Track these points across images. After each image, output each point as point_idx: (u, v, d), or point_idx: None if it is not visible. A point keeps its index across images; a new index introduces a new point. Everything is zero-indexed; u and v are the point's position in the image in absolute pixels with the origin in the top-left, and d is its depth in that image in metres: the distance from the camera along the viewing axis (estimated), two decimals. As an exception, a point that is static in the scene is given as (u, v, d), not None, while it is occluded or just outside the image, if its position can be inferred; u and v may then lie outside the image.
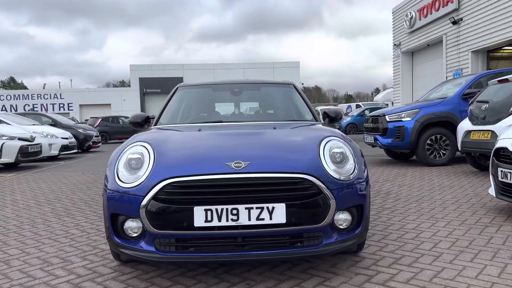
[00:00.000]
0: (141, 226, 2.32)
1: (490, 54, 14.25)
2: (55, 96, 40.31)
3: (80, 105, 40.36)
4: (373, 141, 8.10)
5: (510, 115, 5.33)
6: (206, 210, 2.19)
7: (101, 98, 40.49)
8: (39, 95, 40.27)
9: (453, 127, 7.45)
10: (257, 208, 2.20)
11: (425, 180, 6.00)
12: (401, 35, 18.95)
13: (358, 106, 28.46)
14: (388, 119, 7.73)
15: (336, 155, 2.47)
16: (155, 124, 3.44)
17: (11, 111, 34.68)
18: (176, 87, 3.81)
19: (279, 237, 2.27)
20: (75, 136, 12.29)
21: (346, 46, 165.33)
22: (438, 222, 3.60)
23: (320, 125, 3.19)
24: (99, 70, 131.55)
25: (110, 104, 39.86)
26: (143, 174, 2.34)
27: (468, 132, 6.14)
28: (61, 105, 40.27)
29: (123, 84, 74.97)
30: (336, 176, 2.35)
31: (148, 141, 2.60)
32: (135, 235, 2.35)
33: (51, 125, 12.82)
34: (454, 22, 14.71)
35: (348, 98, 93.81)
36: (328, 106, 30.97)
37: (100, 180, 7.11)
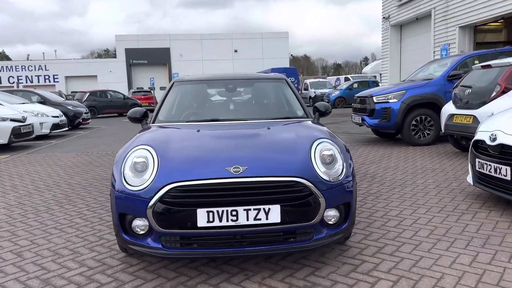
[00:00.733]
0: (148, 224, 2.54)
1: (477, 27, 14.40)
2: (40, 67, 39.55)
3: (66, 77, 39.72)
4: (360, 122, 8.34)
5: (491, 101, 5.59)
6: (208, 212, 2.41)
7: (87, 69, 39.88)
8: (23, 67, 39.46)
9: (437, 108, 7.71)
10: (254, 209, 2.42)
11: (409, 162, 6.29)
12: (390, 8, 18.91)
13: (346, 79, 28.60)
14: (375, 100, 7.95)
15: (326, 158, 2.68)
16: (154, 121, 3.59)
17: (-5, 84, 34.11)
18: (172, 82, 3.94)
19: (274, 234, 2.50)
20: (64, 114, 12.29)
21: (335, 14, 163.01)
22: (419, 209, 3.88)
23: (311, 123, 3.39)
24: (82, 38, 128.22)
25: (96, 76, 39.34)
26: (149, 177, 2.53)
27: (452, 116, 6.40)
28: (46, 77, 39.59)
29: (107, 53, 73.55)
30: (325, 177, 2.57)
31: (151, 144, 2.77)
32: (142, 232, 2.57)
33: (40, 102, 12.78)
34: (444, -4, 14.73)
35: (337, 68, 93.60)
36: (317, 79, 31.04)
37: (95, 162, 7.27)
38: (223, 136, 3.00)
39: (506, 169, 3.40)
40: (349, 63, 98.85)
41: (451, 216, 3.64)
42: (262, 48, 41.08)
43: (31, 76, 39.38)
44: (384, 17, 19.66)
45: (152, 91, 26.52)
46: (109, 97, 21.84)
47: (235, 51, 40.77)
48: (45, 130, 10.64)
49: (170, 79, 39.83)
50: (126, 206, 2.57)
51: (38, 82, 38.69)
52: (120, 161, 2.74)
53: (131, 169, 2.64)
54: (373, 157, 6.86)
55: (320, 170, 2.59)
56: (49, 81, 39.30)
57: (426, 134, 7.85)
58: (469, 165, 4.11)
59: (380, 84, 22.22)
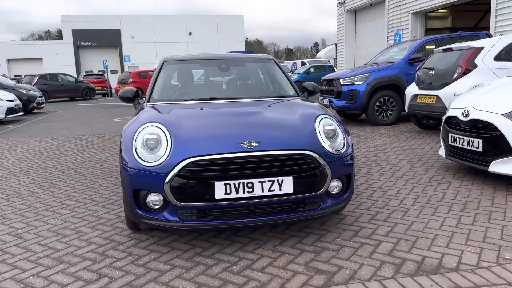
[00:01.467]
0: (162, 199, 2.61)
1: (427, 13, 15.15)
2: (-22, 49, 36.82)
3: (8, 60, 37.29)
4: (328, 103, 8.64)
5: (453, 82, 6.03)
6: (225, 185, 2.51)
7: (31, 51, 37.59)
8: (-42, 49, 36.54)
9: (399, 90, 8.16)
10: (269, 181, 2.55)
11: (377, 140, 6.65)
12: (345, -7, 19.35)
13: (303, 64, 29.03)
14: (342, 83, 8.26)
15: (329, 132, 2.86)
16: (148, 100, 3.59)
17: None
18: (162, 61, 3.92)
19: (284, 204, 2.65)
20: (18, 98, 11.66)
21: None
22: (398, 181, 4.19)
23: (305, 101, 3.55)
24: (22, 19, 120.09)
25: (41, 59, 37.22)
26: (164, 153, 2.59)
27: (415, 96, 6.81)
28: (-14, 60, 36.94)
29: (49, 34, 69.57)
30: (330, 150, 2.75)
31: (160, 121, 2.81)
32: (157, 207, 2.63)
33: (-10, 86, 12.03)
34: (396, -17, 15.30)
35: (289, 53, 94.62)
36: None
37: (64, 146, 7.05)
38: (228, 113, 3.08)
39: (478, 141, 3.76)
40: (300, 48, 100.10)
41: (429, 186, 3.97)
42: (217, 31, 40.62)
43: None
44: (339, 2, 20.11)
45: (104, 74, 25.59)
46: (60, 80, 20.85)
47: (190, 33, 40.03)
48: (1, 115, 10.08)
49: (121, 62, 38.52)
50: (140, 182, 2.61)
51: (-23, 65, 36.05)
52: (129, 139, 2.77)
53: (143, 146, 2.67)
54: (342, 136, 7.17)
55: (325, 143, 2.76)
56: (-12, 64, 36.73)
57: (388, 115, 8.29)
58: (441, 139, 4.47)
59: (336, 69, 22.85)
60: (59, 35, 38.52)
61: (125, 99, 3.75)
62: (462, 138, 3.97)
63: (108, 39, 38.13)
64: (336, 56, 22.10)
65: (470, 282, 2.20)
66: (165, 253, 2.70)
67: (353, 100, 8.15)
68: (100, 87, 23.87)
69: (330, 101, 8.51)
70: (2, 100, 10.27)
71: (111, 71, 35.40)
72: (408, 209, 3.36)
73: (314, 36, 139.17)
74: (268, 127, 2.81)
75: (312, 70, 22.76)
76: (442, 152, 4.44)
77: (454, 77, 6.03)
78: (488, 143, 3.67)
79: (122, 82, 20.72)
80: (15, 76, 30.60)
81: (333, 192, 2.82)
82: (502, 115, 3.57)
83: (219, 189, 2.51)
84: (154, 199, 2.63)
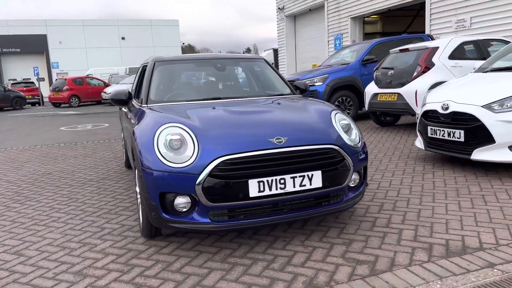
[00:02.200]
0: (190, 201, 2.52)
1: (364, 18, 16.01)
2: None
3: None
4: (288, 104, 8.78)
5: (413, 79, 6.43)
6: (259, 182, 2.48)
7: None
8: None
9: (355, 89, 8.54)
10: (300, 176, 2.56)
11: (344, 137, 6.90)
12: (284, -2, 19.84)
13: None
14: (302, 84, 8.45)
15: (345, 126, 2.93)
16: (146, 102, 3.41)
17: None
18: (152, 62, 3.75)
19: (312, 199, 2.67)
20: None
21: (214, 3, 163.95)
22: (386, 173, 4.38)
23: (307, 98, 3.60)
24: None
25: (-45, 67, 33.93)
26: (192, 153, 2.50)
27: (376, 94, 7.17)
28: None
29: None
30: (350, 143, 2.82)
31: (180, 121, 2.71)
32: (184, 210, 2.54)
33: None
34: (335, -10, 16.00)
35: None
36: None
37: (20, 157, 6.49)
38: (244, 111, 3.04)
39: (459, 132, 4.05)
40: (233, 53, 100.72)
41: (416, 176, 4.20)
42: (151, 36, 39.70)
43: None
44: (279, 8, 20.57)
45: (35, 82, 23.87)
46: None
47: (123, 38, 38.72)
48: None
49: (49, 69, 36.27)
50: (168, 184, 2.50)
51: None
52: (148, 141, 2.63)
53: (166, 147, 2.56)
54: (309, 135, 7.35)
55: (345, 137, 2.83)
56: None
57: (347, 113, 8.61)
58: (418, 132, 4.75)
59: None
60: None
61: (118, 101, 3.56)
62: (443, 130, 4.25)
63: (34, 45, 35.73)
64: (276, 60, 22.50)
65: (499, 259, 2.37)
66: (195, 257, 2.60)
67: (314, 101, 8.37)
68: (30, 96, 22.23)
69: (291, 102, 8.67)
70: None
71: (37, 78, 33.21)
72: (409, 198, 3.54)
73: (245, 41, 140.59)
74: (291, 123, 2.82)
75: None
76: (419, 144, 4.72)
77: (414, 75, 6.44)
78: (469, 133, 3.97)
79: (56, 90, 19.49)
80: None
81: (352, 185, 2.89)
82: (482, 106, 3.89)
83: (253, 187, 2.48)
84: (181, 201, 2.53)
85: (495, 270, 2.24)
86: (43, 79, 24.07)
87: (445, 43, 6.49)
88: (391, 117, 7.86)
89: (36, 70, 23.77)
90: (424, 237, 2.72)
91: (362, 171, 2.96)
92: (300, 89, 4.02)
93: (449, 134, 4.18)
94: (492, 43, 6.91)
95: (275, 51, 24.38)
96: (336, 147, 2.69)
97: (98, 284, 2.30)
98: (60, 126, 10.92)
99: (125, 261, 2.58)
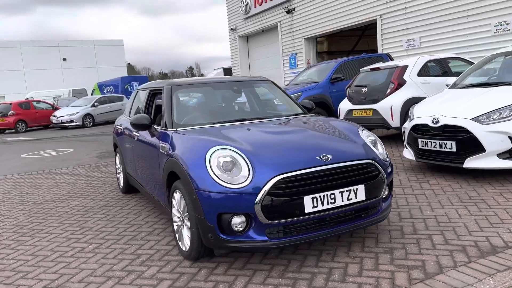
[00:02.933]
0: (245, 220, 2.60)
1: (317, 39, 16.75)
2: None
3: None
4: (263, 122, 8.99)
5: (387, 96, 6.90)
6: (312, 198, 2.62)
7: None
8: None
9: (326, 106, 8.93)
10: (347, 190, 2.74)
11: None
12: (236, 20, 20.25)
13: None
14: (276, 102, 8.71)
15: (373, 142, 3.16)
16: (172, 126, 3.42)
17: None
18: (168, 86, 3.74)
19: (355, 212, 2.84)
20: None
21: (153, 22, 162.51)
22: (385, 185, 4.67)
23: (321, 116, 3.81)
24: None
25: None
26: (248, 174, 2.59)
27: (350, 111, 7.57)
28: None
29: None
30: (381, 158, 3.04)
31: (226, 143, 2.79)
32: (240, 229, 2.61)
33: None
34: (288, 12, 16.64)
35: (164, 77, 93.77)
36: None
37: (17, 186, 6.09)
38: (280, 132, 3.17)
39: (451, 143, 4.44)
40: (175, 72, 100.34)
41: (414, 186, 4.53)
42: (95, 57, 38.57)
43: None
44: (231, 29, 20.96)
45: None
46: None
47: (64, 59, 37.29)
48: None
49: (-17, 94, 33.97)
50: (226, 205, 2.57)
51: None
52: (200, 164, 2.69)
53: (220, 169, 2.64)
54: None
55: (377, 152, 3.05)
56: None
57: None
58: (407, 145, 5.12)
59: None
60: None
61: (141, 126, 3.54)
62: (434, 142, 4.63)
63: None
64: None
65: (528, 254, 2.67)
66: (252, 275, 2.66)
67: (288, 118, 8.65)
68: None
69: (266, 121, 8.88)
70: None
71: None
72: (419, 206, 3.82)
73: (186, 61, 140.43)
74: (330, 141, 3.00)
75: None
76: (409, 155, 5.08)
77: (387, 92, 6.91)
78: (460, 144, 4.38)
79: (1, 115, 18.32)
80: None
81: (383, 197, 3.11)
82: (471, 119, 4.31)
83: (308, 203, 2.61)
84: (238, 221, 2.60)
85: (532, 264, 2.53)
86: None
87: (413, 62, 7.04)
88: (363, 132, 8.29)
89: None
90: (454, 240, 2.98)
91: (390, 183, 3.18)
92: (308, 108, 4.23)
93: (440, 146, 4.57)
94: (449, 61, 7.60)
95: (226, 70, 24.69)
96: (373, 162, 2.90)
97: (171, 309, 2.30)
98: (20, 153, 10.31)
99: (184, 285, 2.58)
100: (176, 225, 3.13)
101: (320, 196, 2.64)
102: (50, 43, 37.06)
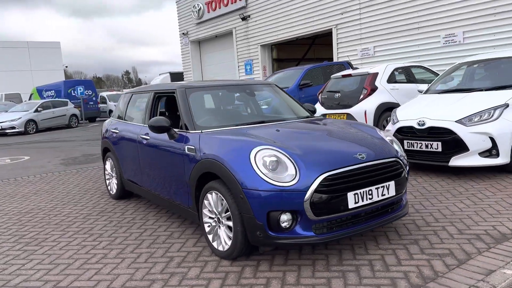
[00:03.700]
0: (291, 217, 2.70)
1: (273, 46, 17.10)
2: None
3: None
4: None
5: (361, 101, 7.28)
6: (354, 194, 2.78)
7: None
8: None
9: (295, 111, 9.21)
10: (381, 186, 2.93)
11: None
12: (188, 24, 20.10)
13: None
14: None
15: (391, 141, 3.39)
16: (193, 128, 3.41)
17: None
18: (183, 89, 3.69)
19: (385, 207, 3.04)
20: None
21: (85, 26, 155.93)
22: (377, 184, 4.96)
23: (332, 118, 4.00)
24: None
25: None
26: (295, 172, 2.69)
27: (324, 115, 7.87)
28: None
29: None
30: (401, 155, 3.28)
31: (268, 144, 2.88)
32: (287, 226, 2.71)
33: None
34: (243, 18, 16.84)
35: (98, 81, 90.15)
36: (114, 92, 29.77)
37: (16, 191, 5.59)
38: (308, 132, 3.30)
39: (437, 144, 4.83)
40: (110, 77, 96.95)
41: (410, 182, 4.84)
42: (29, 59, 36.29)
43: None
44: (183, 33, 20.77)
45: None
46: None
47: (-5, 62, 34.71)
48: None
49: None
50: (276, 203, 2.66)
51: None
52: (246, 164, 2.75)
53: (267, 168, 2.71)
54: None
55: (398, 150, 3.28)
56: None
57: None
58: (392, 147, 5.46)
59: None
60: None
61: (160, 128, 3.49)
62: (420, 143, 5.01)
63: None
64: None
65: (536, 239, 3.02)
66: (298, 270, 2.75)
67: (261, 123, 8.79)
68: None
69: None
70: None
71: None
72: (420, 201, 4.12)
73: (121, 64, 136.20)
74: (359, 140, 3.18)
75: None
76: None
77: (361, 97, 7.30)
78: (446, 144, 4.77)
79: None
80: None
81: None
82: (455, 121, 4.72)
83: (351, 199, 2.77)
84: (285, 218, 2.70)
85: (544, 247, 2.88)
86: None
87: (382, 69, 7.51)
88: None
89: None
90: (466, 230, 3.28)
91: (406, 180, 3.43)
92: (310, 111, 4.40)
93: (426, 146, 4.95)
94: (412, 68, 8.19)
95: (173, 75, 24.35)
96: (398, 159, 3.12)
97: (237, 306, 2.33)
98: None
99: (235, 283, 2.62)
100: (209, 226, 3.14)
101: (360, 192, 2.81)
102: (-22, 44, 34.40)
